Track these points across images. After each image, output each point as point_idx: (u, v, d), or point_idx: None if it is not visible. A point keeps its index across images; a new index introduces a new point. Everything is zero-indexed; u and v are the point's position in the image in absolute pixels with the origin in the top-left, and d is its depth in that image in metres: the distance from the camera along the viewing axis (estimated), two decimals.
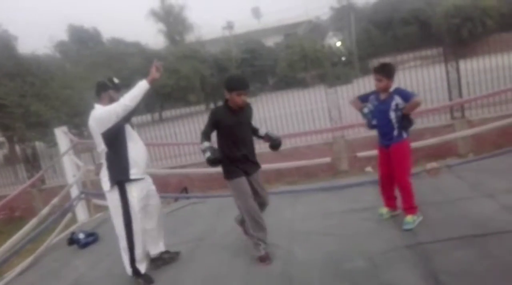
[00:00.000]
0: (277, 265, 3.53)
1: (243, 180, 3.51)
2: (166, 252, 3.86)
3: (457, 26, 33.28)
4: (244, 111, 3.55)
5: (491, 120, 8.27)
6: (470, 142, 9.00)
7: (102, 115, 3.34)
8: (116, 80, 3.56)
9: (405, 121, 3.74)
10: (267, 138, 3.73)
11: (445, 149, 8.70)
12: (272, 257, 3.63)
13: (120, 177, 3.39)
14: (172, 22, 37.43)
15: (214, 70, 32.02)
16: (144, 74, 3.53)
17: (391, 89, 3.78)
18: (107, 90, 3.48)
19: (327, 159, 6.91)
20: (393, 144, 3.79)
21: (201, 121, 11.45)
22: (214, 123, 3.45)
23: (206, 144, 3.36)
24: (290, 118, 11.21)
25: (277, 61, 36.94)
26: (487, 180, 4.66)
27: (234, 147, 3.50)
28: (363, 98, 4.02)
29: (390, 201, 4.10)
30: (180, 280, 3.59)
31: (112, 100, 3.41)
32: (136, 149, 3.48)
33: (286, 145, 9.64)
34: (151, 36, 38.46)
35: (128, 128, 3.47)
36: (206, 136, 3.41)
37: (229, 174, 3.55)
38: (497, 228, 3.48)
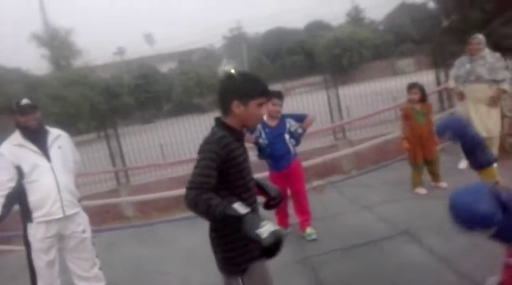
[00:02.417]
0: None
1: (262, 271, 2.04)
2: None
3: (338, 56, 36.60)
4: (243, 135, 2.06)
5: (369, 139, 9.19)
6: (352, 160, 9.83)
7: None
8: (23, 102, 3.11)
9: (300, 139, 4.06)
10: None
11: (331, 167, 9.39)
12: None
13: (24, 219, 3.15)
14: (58, 46, 35.23)
15: (105, 96, 30.72)
16: None
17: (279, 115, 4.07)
18: (13, 114, 3.13)
19: None
20: (292, 163, 4.04)
21: (94, 149, 10.91)
22: (221, 161, 1.86)
23: (236, 206, 1.77)
24: (187, 144, 11.19)
25: (172, 87, 36.78)
26: (364, 194, 5.19)
27: (247, 202, 1.96)
28: (250, 130, 4.02)
29: (285, 219, 4.31)
30: None
31: (19, 125, 3.11)
32: (40, 190, 3.09)
33: (184, 170, 9.59)
34: (34, 62, 35.56)
35: (32, 167, 3.08)
36: (211, 191, 1.81)
37: (246, 257, 1.96)
38: (373, 236, 3.88)
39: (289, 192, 4.18)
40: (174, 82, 37.36)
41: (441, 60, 9.19)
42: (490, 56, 5.10)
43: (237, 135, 1.95)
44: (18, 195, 3.09)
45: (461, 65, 5.30)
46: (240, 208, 1.76)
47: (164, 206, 7.87)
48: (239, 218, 1.72)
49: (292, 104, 11.69)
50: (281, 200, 2.28)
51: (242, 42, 40.32)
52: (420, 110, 4.76)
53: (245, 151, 2.01)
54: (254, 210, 2.01)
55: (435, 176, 4.89)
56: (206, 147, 1.87)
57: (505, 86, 5.05)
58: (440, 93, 8.82)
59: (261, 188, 2.18)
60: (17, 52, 34.61)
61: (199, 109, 26.80)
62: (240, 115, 1.91)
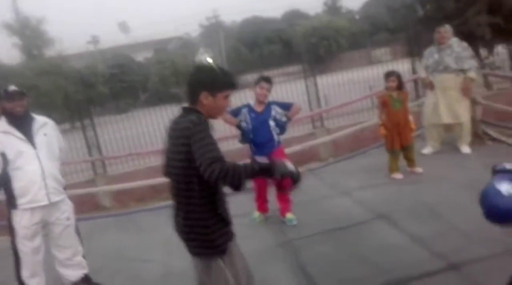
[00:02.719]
0: (156, 279, 3.50)
1: (237, 250, 2.22)
2: (86, 280, 3.47)
3: (315, 44, 36.74)
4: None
5: (346, 127, 9.31)
6: (330, 148, 9.94)
7: None
8: (11, 88, 3.13)
9: (285, 127, 4.10)
10: None
11: (309, 154, 9.47)
12: (150, 273, 3.59)
13: (9, 206, 3.13)
14: (29, 35, 34.14)
15: (79, 86, 30.06)
16: None
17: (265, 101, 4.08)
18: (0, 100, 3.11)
19: None
20: (275, 150, 4.05)
21: (70, 139, 10.68)
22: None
23: (259, 160, 2.02)
24: (164, 133, 11.12)
25: (148, 76, 36.26)
26: (342, 180, 5.28)
27: (221, 189, 2.08)
28: (235, 113, 4.09)
29: (264, 205, 4.35)
30: None
31: (5, 111, 3.09)
32: (25, 177, 3.07)
33: (161, 160, 9.53)
34: (5, 51, 34.39)
35: (17, 154, 3.05)
36: (225, 161, 1.85)
37: (225, 238, 2.09)
38: (352, 220, 3.97)
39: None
40: (150, 71, 36.83)
41: (416, 49, 9.35)
42: (457, 45, 5.25)
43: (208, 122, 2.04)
44: (3, 182, 3.06)
45: (429, 55, 5.44)
46: (262, 159, 2.00)
47: (141, 196, 7.80)
48: (269, 167, 1.92)
49: (271, 93, 11.74)
50: None
51: (219, 31, 39.97)
52: (397, 97, 4.85)
53: None
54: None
55: (410, 162, 5.01)
56: (200, 127, 1.90)
57: (472, 74, 5.19)
58: (415, 81, 8.99)
59: None
60: None
61: (176, 99, 26.49)
62: (207, 105, 2.00)
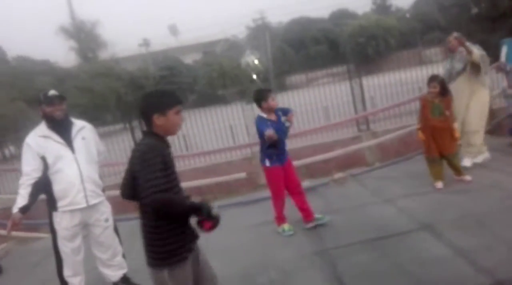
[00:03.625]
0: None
1: (188, 267, 2.19)
2: (126, 280, 3.62)
3: (363, 44, 35.97)
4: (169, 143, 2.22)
5: (393, 131, 9.04)
6: (376, 152, 9.70)
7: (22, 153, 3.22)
8: (51, 93, 3.25)
9: (287, 132, 4.09)
10: None
11: (355, 159, 9.29)
12: None
13: (49, 208, 3.28)
14: (84, 39, 35.97)
15: (131, 88, 31.25)
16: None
17: None
18: (40, 104, 3.25)
19: (243, 174, 7.11)
20: (288, 157, 4.11)
21: (120, 140, 11.08)
22: (164, 167, 2.02)
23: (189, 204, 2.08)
24: (210, 135, 11.27)
25: (196, 78, 37.09)
26: (386, 186, 5.11)
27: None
28: (265, 126, 3.92)
29: (283, 215, 4.26)
30: None
31: (45, 115, 3.22)
32: (64, 180, 3.19)
33: (206, 162, 9.69)
34: (62, 54, 36.56)
35: (56, 158, 3.18)
36: (166, 194, 1.98)
37: (170, 257, 2.11)
38: (394, 230, 3.84)
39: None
40: (198, 73, 37.65)
41: None
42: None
43: (166, 142, 2.16)
44: (44, 185, 3.19)
45: (444, 67, 5.32)
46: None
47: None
48: (199, 206, 2.05)
49: (315, 94, 11.59)
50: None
51: (266, 32, 40.09)
52: (438, 103, 4.63)
53: (173, 157, 2.17)
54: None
55: (456, 171, 4.76)
56: (145, 158, 1.99)
57: (474, 50, 4.84)
58: None
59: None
60: (44, 45, 35.50)
61: (223, 101, 26.90)
62: (162, 125, 2.12)
